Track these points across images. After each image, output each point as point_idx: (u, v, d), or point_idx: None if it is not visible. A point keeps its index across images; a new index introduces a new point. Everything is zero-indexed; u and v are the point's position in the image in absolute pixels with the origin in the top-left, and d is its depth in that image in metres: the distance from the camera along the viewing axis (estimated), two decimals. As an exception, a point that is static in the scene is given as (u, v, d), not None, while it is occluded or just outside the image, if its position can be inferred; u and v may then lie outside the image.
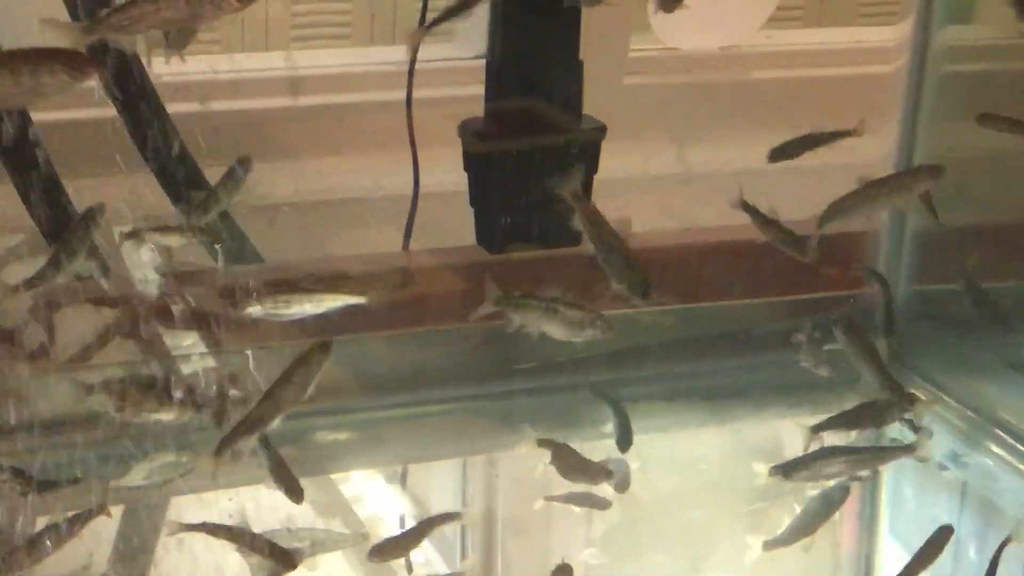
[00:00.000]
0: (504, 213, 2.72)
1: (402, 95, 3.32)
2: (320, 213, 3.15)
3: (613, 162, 2.88)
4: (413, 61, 2.85)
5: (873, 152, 2.89)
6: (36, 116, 2.49)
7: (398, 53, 3.62)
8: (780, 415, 2.79)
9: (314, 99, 3.40)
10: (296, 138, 3.34)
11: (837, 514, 2.51)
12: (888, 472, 2.61)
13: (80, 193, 2.60)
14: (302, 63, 3.47)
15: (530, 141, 2.67)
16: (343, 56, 3.60)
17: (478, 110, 3.06)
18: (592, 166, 2.75)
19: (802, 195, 3.27)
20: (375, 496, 2.61)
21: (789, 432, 2.57)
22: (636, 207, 3.04)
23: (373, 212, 3.16)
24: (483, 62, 3.47)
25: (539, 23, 2.71)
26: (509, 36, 2.76)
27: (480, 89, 3.27)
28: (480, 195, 2.79)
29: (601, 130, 2.78)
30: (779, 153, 2.43)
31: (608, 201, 3.01)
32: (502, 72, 2.79)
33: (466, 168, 2.83)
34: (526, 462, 2.60)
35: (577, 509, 2.51)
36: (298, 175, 3.22)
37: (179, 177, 2.60)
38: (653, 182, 3.34)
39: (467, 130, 2.80)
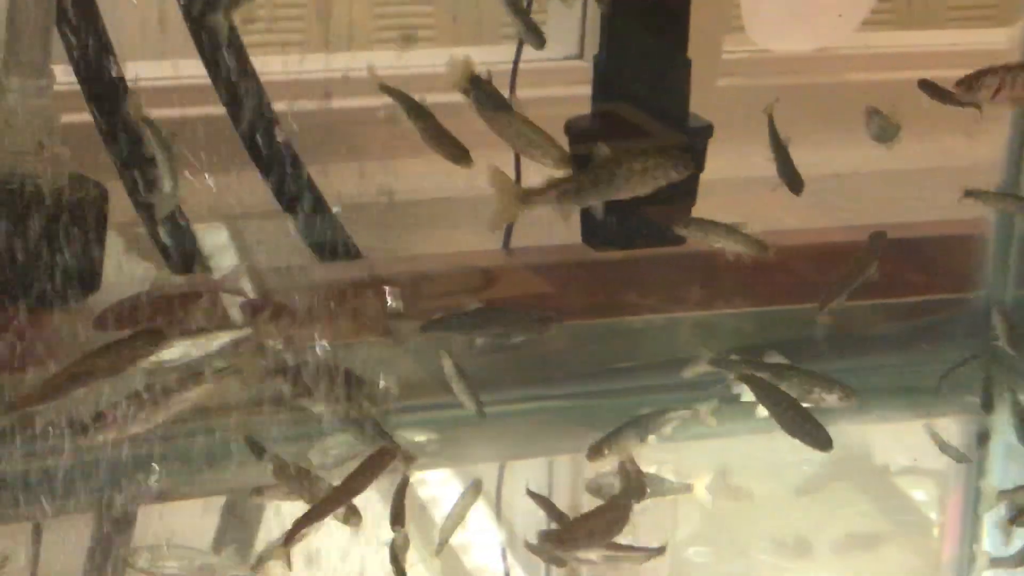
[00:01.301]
0: (610, 211, 2.74)
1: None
2: (414, 212, 3.18)
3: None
4: (517, 60, 2.88)
5: (979, 156, 2.91)
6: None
7: (484, 54, 3.68)
8: (882, 419, 2.80)
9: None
10: (386, 138, 3.36)
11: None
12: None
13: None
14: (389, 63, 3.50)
15: (637, 139, 2.69)
16: (430, 57, 3.63)
17: (568, 111, 3.09)
18: (698, 165, 2.77)
19: (898, 198, 3.29)
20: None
21: (891, 436, 2.58)
22: (727, 209, 3.06)
23: (466, 212, 3.19)
24: (573, 63, 3.52)
25: (649, 20, 2.73)
26: (618, 33, 2.78)
27: (570, 90, 3.31)
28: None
29: (708, 129, 2.81)
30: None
31: (700, 202, 3.05)
32: (610, 69, 2.81)
33: (572, 166, 2.85)
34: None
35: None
36: (391, 175, 3.24)
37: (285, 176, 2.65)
38: (744, 184, 3.35)
39: (573, 128, 2.82)
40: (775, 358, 2.51)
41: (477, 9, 3.95)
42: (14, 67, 2.35)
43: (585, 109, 3.10)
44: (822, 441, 2.33)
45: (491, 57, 3.60)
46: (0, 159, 2.37)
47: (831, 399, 2.40)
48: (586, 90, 3.26)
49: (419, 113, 2.27)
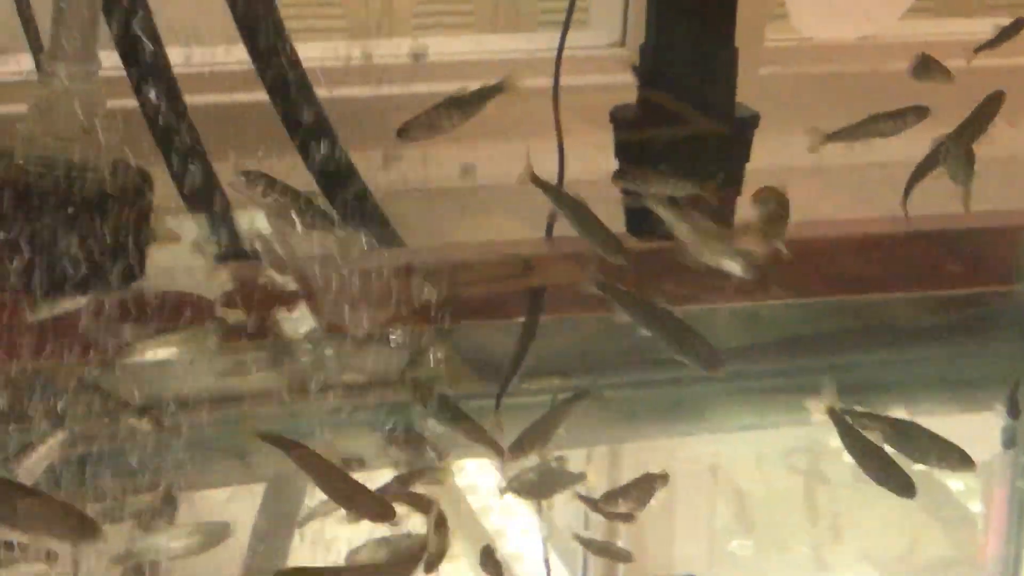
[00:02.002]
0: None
1: (531, 83, 3.38)
2: (451, 200, 3.20)
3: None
4: (561, 47, 2.89)
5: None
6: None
7: (522, 41, 3.69)
8: (929, 412, 2.80)
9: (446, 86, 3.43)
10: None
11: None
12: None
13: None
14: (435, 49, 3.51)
15: (683, 127, 2.70)
16: (473, 43, 3.64)
17: (612, 99, 3.10)
18: (744, 154, 2.79)
19: (942, 189, 3.29)
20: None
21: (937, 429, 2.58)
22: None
23: (503, 200, 3.20)
24: (616, 51, 3.53)
25: (696, 7, 2.74)
26: (665, 20, 2.79)
27: (614, 78, 3.31)
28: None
29: (754, 118, 2.82)
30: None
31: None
32: (656, 57, 2.83)
33: (617, 154, 2.87)
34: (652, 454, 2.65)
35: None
36: (428, 162, 3.26)
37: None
38: (785, 173, 3.35)
39: (619, 116, 2.83)
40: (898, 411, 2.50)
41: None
42: (59, 51, 2.36)
43: (629, 97, 3.12)
44: (906, 488, 2.28)
45: (529, 44, 3.63)
46: (44, 144, 2.38)
47: (945, 465, 2.34)
48: (629, 78, 3.27)
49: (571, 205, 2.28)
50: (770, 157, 3.30)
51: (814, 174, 3.42)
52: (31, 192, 2.35)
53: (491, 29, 3.92)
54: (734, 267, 2.28)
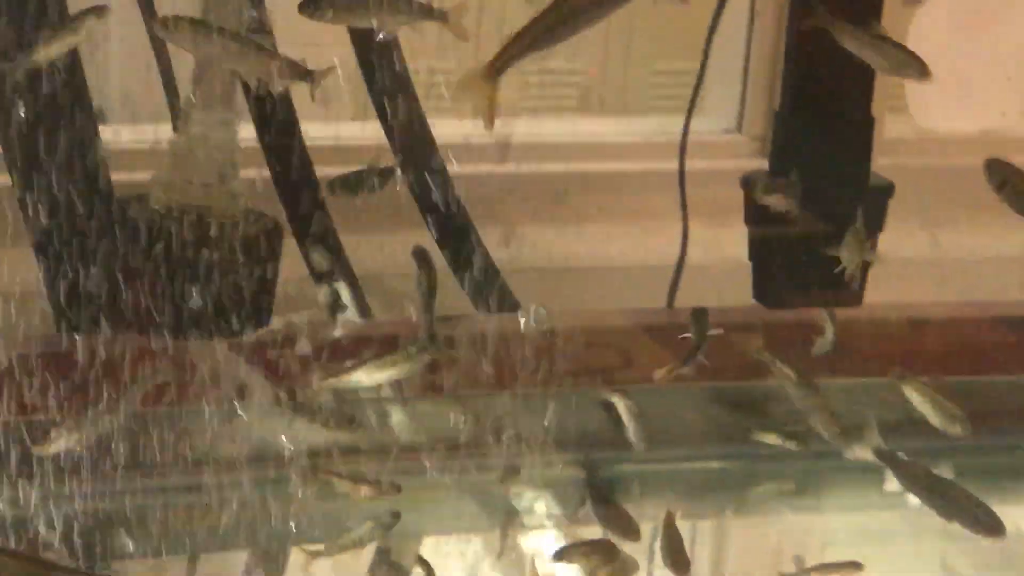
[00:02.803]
0: (786, 268, 2.76)
1: (645, 166, 3.41)
2: (569, 279, 3.21)
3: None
4: (686, 131, 2.91)
5: None
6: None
7: (631, 124, 3.72)
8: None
9: (556, 166, 3.46)
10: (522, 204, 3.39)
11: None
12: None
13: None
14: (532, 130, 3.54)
15: (815, 195, 2.70)
16: (576, 125, 3.66)
17: (726, 186, 3.11)
18: (878, 223, 2.78)
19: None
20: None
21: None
22: (886, 288, 3.06)
23: (625, 279, 3.21)
24: (732, 137, 3.54)
25: (833, 74, 2.74)
26: (801, 84, 2.80)
27: (729, 163, 3.33)
28: (761, 249, 2.83)
29: (888, 188, 2.81)
30: None
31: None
32: (791, 123, 2.83)
33: (747, 221, 2.87)
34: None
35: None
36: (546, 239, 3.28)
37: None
38: (904, 264, 3.34)
39: (751, 183, 2.84)
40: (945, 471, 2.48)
41: (623, 78, 3.99)
42: (200, 97, 2.40)
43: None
44: (994, 527, 2.26)
45: (641, 128, 3.66)
46: (180, 189, 2.41)
47: (979, 528, 2.31)
48: (745, 164, 3.28)
49: None
50: (888, 246, 3.28)
51: (931, 264, 3.41)
52: (164, 237, 2.37)
53: (599, 112, 3.94)
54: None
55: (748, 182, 2.85)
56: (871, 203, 2.75)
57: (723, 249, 3.18)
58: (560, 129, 3.62)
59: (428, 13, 2.09)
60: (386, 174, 2.45)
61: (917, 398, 2.47)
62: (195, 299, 2.35)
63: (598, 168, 3.46)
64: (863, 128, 2.82)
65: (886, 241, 3.19)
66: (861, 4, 2.52)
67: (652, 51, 3.95)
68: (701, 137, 3.43)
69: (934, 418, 2.46)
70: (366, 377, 2.28)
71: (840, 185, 2.77)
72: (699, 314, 2.54)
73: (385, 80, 2.63)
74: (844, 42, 2.26)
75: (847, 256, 2.56)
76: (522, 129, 3.52)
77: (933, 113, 3.34)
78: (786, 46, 2.84)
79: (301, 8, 2.06)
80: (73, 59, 2.35)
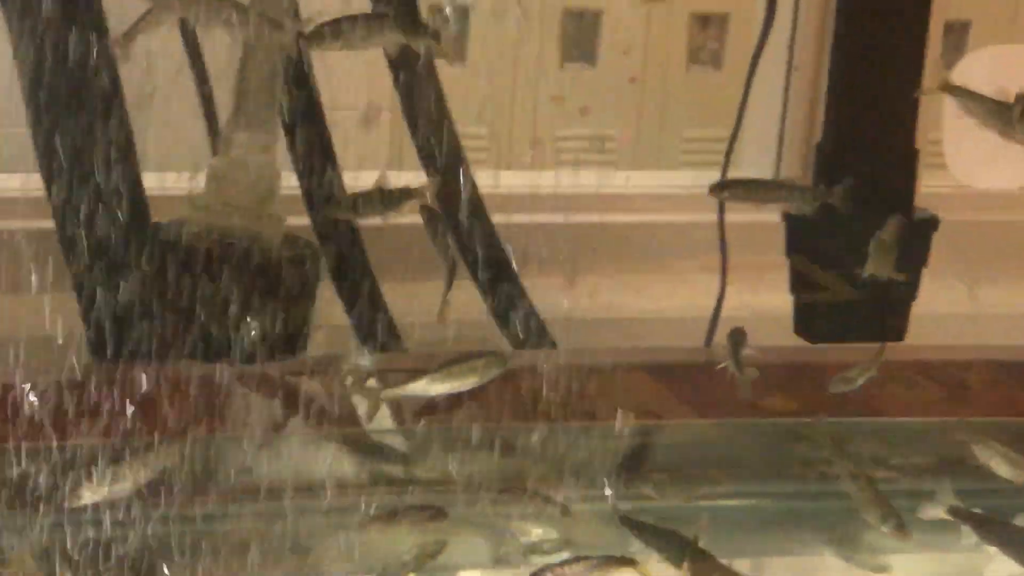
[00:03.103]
0: (829, 302, 2.74)
1: (682, 217, 3.41)
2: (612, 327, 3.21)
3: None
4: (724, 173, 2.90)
5: None
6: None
7: (665, 178, 3.73)
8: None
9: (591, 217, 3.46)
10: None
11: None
12: None
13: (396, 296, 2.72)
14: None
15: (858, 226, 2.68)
16: (611, 178, 3.67)
17: (762, 233, 3.10)
18: (922, 257, 2.76)
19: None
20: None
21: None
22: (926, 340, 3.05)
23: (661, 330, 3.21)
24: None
25: (876, 105, 2.73)
26: (845, 114, 2.80)
27: (764, 215, 3.32)
28: (803, 282, 2.81)
29: (932, 222, 2.79)
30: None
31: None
32: (833, 154, 2.82)
33: (789, 252, 2.85)
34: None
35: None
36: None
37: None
38: (941, 320, 3.33)
39: (792, 215, 2.82)
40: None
41: (660, 133, 4.01)
42: (241, 121, 2.40)
43: (780, 235, 3.12)
44: None
45: (672, 181, 3.67)
46: (221, 213, 2.40)
47: None
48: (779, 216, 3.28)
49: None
50: (925, 301, 3.27)
51: (969, 320, 3.39)
52: (203, 259, 2.36)
53: (632, 166, 3.96)
54: None
55: (791, 214, 2.83)
56: (915, 236, 2.73)
57: (759, 298, 3.17)
58: (598, 181, 3.63)
59: (421, 34, 2.10)
60: (406, 194, 2.42)
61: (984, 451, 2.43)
62: (234, 324, 2.33)
63: (634, 219, 3.46)
64: (906, 160, 2.81)
65: (924, 294, 3.18)
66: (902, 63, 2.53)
67: (684, 118, 3.99)
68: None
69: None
70: (430, 388, 2.26)
71: (883, 217, 2.75)
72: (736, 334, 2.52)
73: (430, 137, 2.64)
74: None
75: (873, 266, 2.51)
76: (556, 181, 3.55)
77: (971, 169, 3.33)
78: (829, 75, 2.83)
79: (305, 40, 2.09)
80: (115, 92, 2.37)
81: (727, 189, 2.33)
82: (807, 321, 2.81)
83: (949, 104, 3.26)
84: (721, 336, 2.91)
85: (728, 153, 3.10)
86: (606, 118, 4.05)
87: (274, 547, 2.26)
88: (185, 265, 2.35)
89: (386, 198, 2.31)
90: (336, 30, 2.10)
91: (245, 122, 2.39)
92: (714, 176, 3.37)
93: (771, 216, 3.16)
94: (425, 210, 2.32)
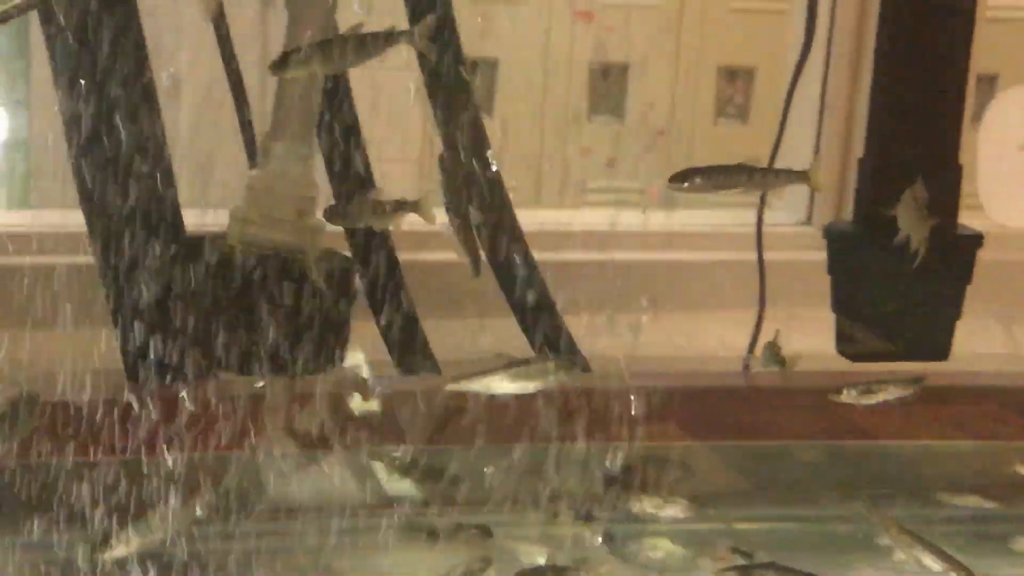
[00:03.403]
0: (871, 320, 2.71)
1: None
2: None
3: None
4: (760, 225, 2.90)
5: None
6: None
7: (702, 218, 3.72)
8: None
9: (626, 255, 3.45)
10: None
11: None
12: None
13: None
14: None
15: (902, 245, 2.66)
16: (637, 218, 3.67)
17: (797, 276, 3.09)
18: (966, 275, 2.73)
19: None
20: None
21: None
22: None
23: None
24: (802, 229, 3.53)
25: (919, 119, 2.71)
26: (887, 131, 2.78)
27: (800, 255, 3.31)
28: (845, 300, 2.78)
29: (978, 238, 2.77)
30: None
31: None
32: (875, 172, 2.80)
33: (831, 271, 2.83)
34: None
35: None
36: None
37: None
38: (977, 359, 3.30)
39: (833, 232, 2.80)
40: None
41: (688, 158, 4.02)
42: (278, 131, 2.39)
43: (814, 275, 3.10)
44: None
45: (691, 220, 3.66)
46: (260, 224, 2.39)
47: None
48: (815, 256, 3.26)
49: None
50: (963, 342, 3.24)
51: (1006, 361, 3.36)
52: (241, 273, 2.35)
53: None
54: None
55: (832, 232, 2.81)
56: (959, 253, 2.70)
57: (796, 334, 3.15)
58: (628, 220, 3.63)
59: (394, 38, 2.09)
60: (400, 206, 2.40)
61: None
62: (271, 335, 2.32)
63: (671, 257, 3.45)
64: (950, 176, 2.79)
65: (961, 335, 3.15)
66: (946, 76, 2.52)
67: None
68: (772, 229, 3.42)
69: None
70: (495, 385, 2.23)
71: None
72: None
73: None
74: None
75: (906, 221, 2.46)
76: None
77: (1008, 209, 3.32)
78: (871, 88, 2.82)
79: (272, 68, 2.07)
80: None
81: (686, 180, 2.28)
82: (850, 339, 2.78)
83: (984, 144, 3.28)
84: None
85: (763, 196, 3.08)
86: (634, 170, 4.06)
87: (316, 565, 2.24)
88: (223, 278, 2.34)
89: (379, 208, 2.29)
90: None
91: (283, 133, 2.38)
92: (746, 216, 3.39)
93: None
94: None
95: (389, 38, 2.02)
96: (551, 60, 4.18)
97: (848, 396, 2.35)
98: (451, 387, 2.19)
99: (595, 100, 4.29)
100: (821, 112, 3.40)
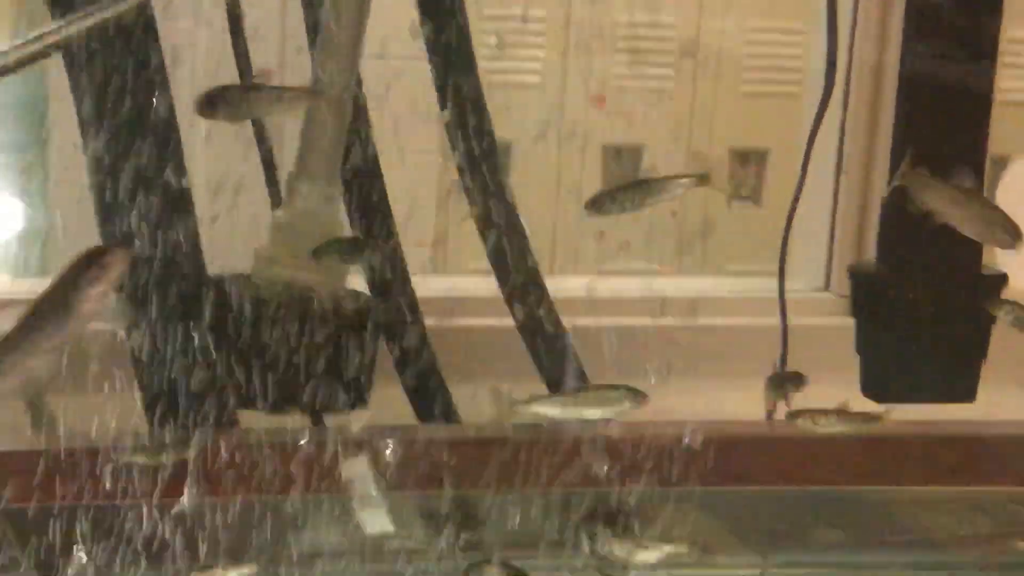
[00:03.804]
0: (894, 361, 2.70)
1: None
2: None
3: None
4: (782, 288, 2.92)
5: None
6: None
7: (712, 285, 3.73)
8: None
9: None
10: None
11: None
12: None
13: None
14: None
15: (927, 285, 2.66)
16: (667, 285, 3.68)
17: (816, 342, 3.09)
18: (992, 315, 2.73)
19: None
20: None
21: None
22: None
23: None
24: (820, 295, 3.53)
25: (943, 150, 2.72)
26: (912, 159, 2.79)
27: (818, 321, 3.32)
28: (869, 341, 2.78)
29: (1002, 278, 2.76)
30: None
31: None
32: (899, 207, 2.80)
33: (854, 312, 2.83)
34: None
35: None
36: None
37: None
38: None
39: (856, 272, 2.80)
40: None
41: (702, 267, 4.03)
42: (303, 171, 2.41)
43: (833, 340, 3.10)
44: None
45: (716, 287, 3.67)
46: (282, 264, 2.40)
47: None
48: (834, 321, 3.27)
49: None
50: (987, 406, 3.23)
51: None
52: (266, 312, 2.36)
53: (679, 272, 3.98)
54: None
55: (856, 272, 2.81)
56: (984, 293, 2.70)
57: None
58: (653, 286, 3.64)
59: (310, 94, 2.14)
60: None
61: None
62: (297, 376, 2.32)
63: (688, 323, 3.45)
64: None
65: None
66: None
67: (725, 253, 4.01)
68: (790, 295, 3.43)
69: None
70: (560, 411, 2.24)
71: (950, 275, 2.73)
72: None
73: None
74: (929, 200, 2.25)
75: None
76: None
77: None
78: (894, 121, 2.83)
79: (199, 110, 2.11)
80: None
81: (596, 205, 2.35)
82: (875, 380, 2.77)
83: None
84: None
85: (782, 260, 3.09)
86: (647, 252, 4.07)
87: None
88: (248, 316, 2.34)
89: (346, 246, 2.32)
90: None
91: (309, 173, 2.40)
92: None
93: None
94: None
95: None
96: (565, 142, 4.22)
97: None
98: (522, 408, 2.20)
99: (609, 182, 4.31)
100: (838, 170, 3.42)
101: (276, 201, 2.50)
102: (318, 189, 2.40)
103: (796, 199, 2.98)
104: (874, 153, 3.43)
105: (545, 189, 4.17)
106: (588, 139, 4.24)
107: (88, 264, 1.71)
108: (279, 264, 2.39)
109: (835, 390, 3.11)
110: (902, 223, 2.81)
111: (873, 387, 2.77)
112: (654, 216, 4.29)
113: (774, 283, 3.23)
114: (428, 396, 2.60)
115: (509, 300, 2.66)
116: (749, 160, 4.36)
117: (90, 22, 2.29)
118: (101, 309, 1.72)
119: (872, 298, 2.74)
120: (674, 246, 4.19)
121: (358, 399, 2.38)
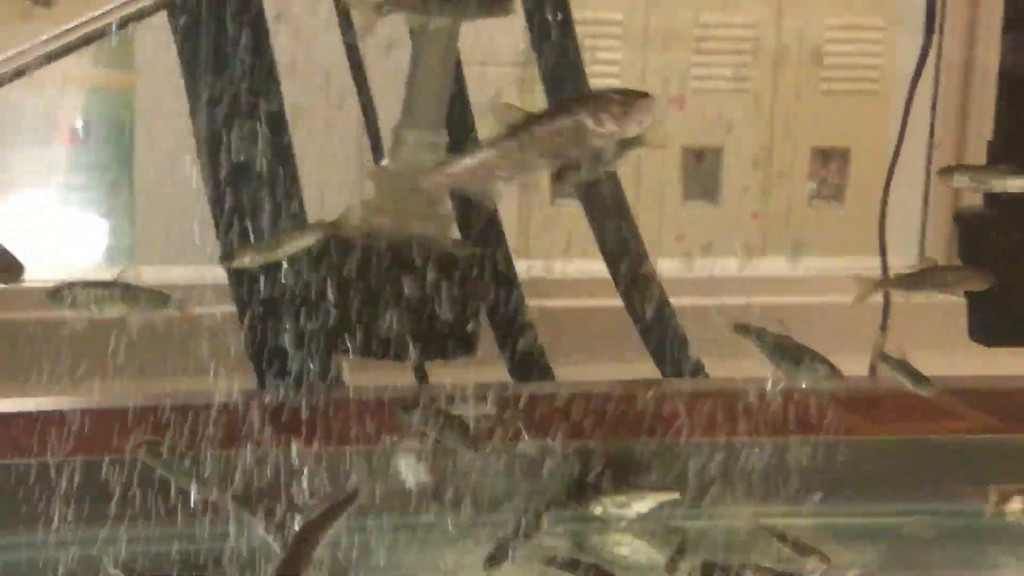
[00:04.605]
0: (1003, 303, 2.67)
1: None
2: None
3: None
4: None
5: None
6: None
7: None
8: None
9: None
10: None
11: None
12: None
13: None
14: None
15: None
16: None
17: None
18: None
19: None
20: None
21: None
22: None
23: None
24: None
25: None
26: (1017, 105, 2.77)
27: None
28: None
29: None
30: None
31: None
32: (1004, 150, 2.79)
33: (961, 255, 2.80)
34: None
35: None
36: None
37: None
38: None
39: (963, 215, 2.78)
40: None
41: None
42: (410, 119, 2.41)
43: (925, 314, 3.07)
44: None
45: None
46: (393, 214, 2.40)
47: None
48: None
49: None
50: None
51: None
52: (378, 260, 2.36)
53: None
54: None
55: (963, 216, 2.79)
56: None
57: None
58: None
59: None
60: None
61: None
62: (407, 324, 2.32)
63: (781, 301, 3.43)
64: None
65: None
66: None
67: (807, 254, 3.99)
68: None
69: None
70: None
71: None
72: None
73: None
74: None
75: None
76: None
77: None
78: (999, 69, 2.82)
79: None
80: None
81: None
82: (981, 324, 2.74)
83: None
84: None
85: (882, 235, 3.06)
86: (729, 254, 4.06)
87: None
88: (357, 267, 2.35)
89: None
90: None
91: (415, 122, 2.40)
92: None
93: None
94: None
95: None
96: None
97: None
98: None
99: (688, 184, 4.31)
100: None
101: (378, 154, 2.51)
102: (424, 138, 2.40)
103: (892, 166, 2.96)
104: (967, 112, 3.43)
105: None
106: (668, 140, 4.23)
107: None
108: (386, 213, 2.39)
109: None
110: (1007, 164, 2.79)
111: (979, 331, 2.74)
112: (735, 217, 4.30)
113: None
114: (525, 356, 2.61)
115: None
116: (831, 158, 4.35)
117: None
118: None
119: (978, 241, 2.71)
120: (756, 246, 4.18)
121: (468, 347, 2.38)
